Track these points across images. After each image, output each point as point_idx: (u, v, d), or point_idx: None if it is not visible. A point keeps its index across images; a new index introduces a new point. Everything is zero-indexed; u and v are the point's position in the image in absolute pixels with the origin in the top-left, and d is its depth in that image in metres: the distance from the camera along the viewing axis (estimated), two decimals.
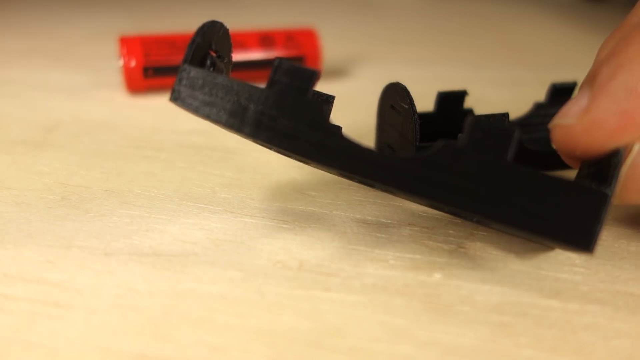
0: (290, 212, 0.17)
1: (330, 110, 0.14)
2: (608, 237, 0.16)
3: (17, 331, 0.12)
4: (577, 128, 0.13)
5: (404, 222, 0.17)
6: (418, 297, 0.13)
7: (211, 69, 0.15)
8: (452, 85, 0.22)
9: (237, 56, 0.28)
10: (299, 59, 0.29)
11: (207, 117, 0.14)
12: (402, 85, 0.18)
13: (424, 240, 0.16)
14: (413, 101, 0.18)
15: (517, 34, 0.45)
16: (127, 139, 0.23)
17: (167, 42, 0.28)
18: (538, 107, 0.22)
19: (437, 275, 0.14)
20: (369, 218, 0.17)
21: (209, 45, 0.15)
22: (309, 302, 0.13)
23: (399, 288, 0.14)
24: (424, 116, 0.19)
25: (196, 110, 0.14)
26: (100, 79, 0.31)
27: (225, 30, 0.16)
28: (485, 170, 0.12)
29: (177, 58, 0.28)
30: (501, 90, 0.30)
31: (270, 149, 0.15)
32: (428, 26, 0.48)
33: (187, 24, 0.45)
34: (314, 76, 0.13)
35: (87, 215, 0.17)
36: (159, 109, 0.27)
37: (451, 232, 0.16)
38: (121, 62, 0.27)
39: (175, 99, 0.15)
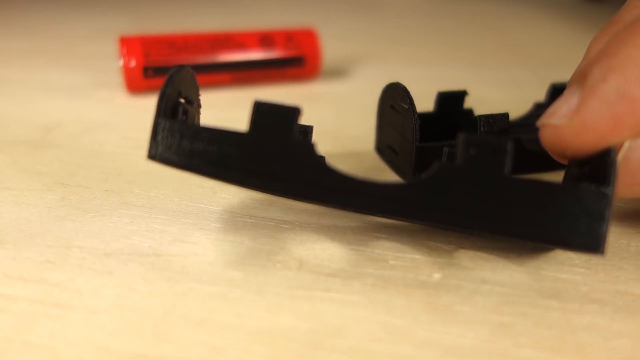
0: (290, 212, 0.17)
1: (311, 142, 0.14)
2: (608, 238, 0.16)
3: (17, 331, 0.12)
4: (567, 129, 0.13)
5: (404, 222, 0.17)
6: (418, 297, 0.13)
7: (184, 117, 0.14)
8: (452, 85, 0.22)
9: (237, 56, 0.28)
10: (299, 59, 0.29)
11: (190, 169, 0.14)
12: (402, 85, 0.18)
13: (424, 240, 0.16)
14: (413, 101, 0.18)
15: (517, 34, 0.45)
16: (127, 139, 0.23)
17: (167, 42, 0.28)
18: (538, 107, 0.22)
19: (437, 275, 0.14)
20: (369, 218, 0.17)
21: (179, 93, 0.14)
22: (309, 302, 0.13)
23: (399, 288, 0.14)
24: (424, 116, 0.19)
25: (177, 165, 0.14)
26: (100, 79, 0.31)
27: (192, 74, 0.15)
28: (484, 186, 0.12)
29: (177, 58, 0.28)
30: (501, 90, 0.30)
31: (262, 192, 0.14)
32: (428, 26, 0.48)
33: (187, 24, 0.45)
34: (295, 114, 0.13)
35: (87, 215, 0.17)
36: None
37: (451, 232, 0.16)
38: (121, 62, 0.27)
39: (153, 156, 0.14)
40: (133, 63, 0.27)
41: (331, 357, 0.12)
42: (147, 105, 0.27)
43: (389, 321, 0.13)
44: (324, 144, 0.22)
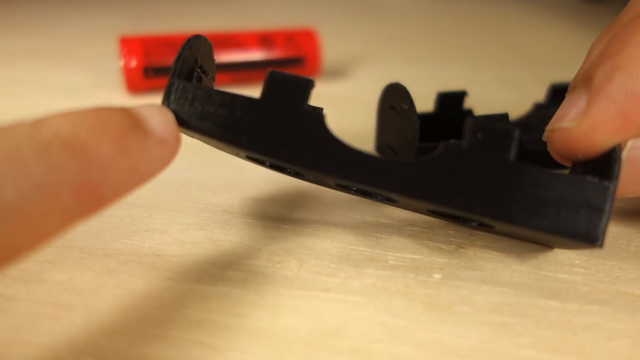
0: (290, 212, 0.17)
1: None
2: (608, 238, 0.16)
3: (17, 331, 0.12)
4: (577, 131, 0.13)
5: (404, 222, 0.17)
6: (418, 297, 0.13)
7: (197, 84, 0.14)
8: (451, 85, 0.22)
9: (237, 56, 0.28)
10: (299, 59, 0.29)
11: (199, 131, 0.14)
12: (402, 85, 0.18)
13: (424, 240, 0.16)
14: (413, 101, 0.18)
15: (517, 34, 0.45)
16: None
17: (167, 42, 0.28)
18: (538, 107, 0.22)
19: (437, 276, 0.14)
20: (369, 218, 0.17)
21: (195, 60, 0.15)
22: (309, 303, 0.13)
23: (399, 288, 0.14)
24: (424, 116, 0.19)
25: (187, 126, 0.14)
26: (101, 79, 0.31)
27: (209, 46, 0.15)
28: (489, 170, 0.12)
29: None
30: (501, 90, 0.30)
31: (265, 163, 0.14)
32: (428, 26, 0.48)
33: (187, 24, 0.45)
34: (309, 85, 0.13)
35: None
36: None
37: (451, 232, 0.16)
38: (121, 63, 0.27)
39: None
40: (133, 63, 0.27)
41: (331, 357, 0.12)
42: None
43: (389, 321, 0.13)
44: None
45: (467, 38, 0.43)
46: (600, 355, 0.12)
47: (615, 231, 0.16)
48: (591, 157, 0.13)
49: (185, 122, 0.14)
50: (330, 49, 0.34)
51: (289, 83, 0.13)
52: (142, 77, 0.27)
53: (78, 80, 0.31)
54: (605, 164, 0.13)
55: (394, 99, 0.19)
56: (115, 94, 0.28)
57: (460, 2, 0.57)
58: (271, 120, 0.13)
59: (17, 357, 0.11)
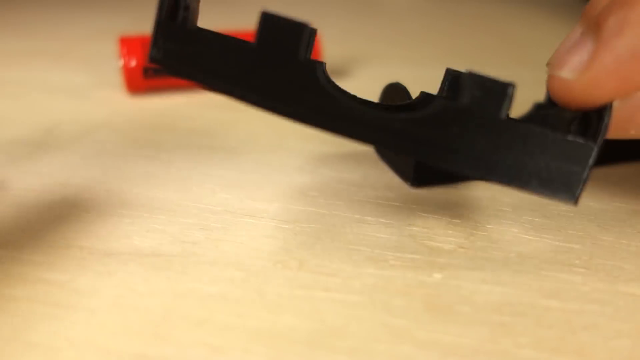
0: (290, 212, 0.17)
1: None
2: (608, 237, 0.16)
3: (17, 331, 0.12)
4: (576, 84, 0.13)
5: (404, 222, 0.17)
6: (418, 297, 0.13)
7: (185, 14, 0.13)
8: None
9: None
10: None
11: (189, 77, 0.13)
12: (402, 85, 0.18)
13: (424, 240, 0.16)
14: None
15: (517, 34, 0.45)
16: (127, 139, 0.23)
17: None
18: (538, 107, 0.22)
19: (437, 275, 0.14)
20: (369, 218, 0.17)
21: None
22: (309, 302, 0.13)
23: (399, 288, 0.14)
24: None
25: (178, 73, 0.13)
26: (100, 79, 0.31)
27: None
28: (482, 127, 0.12)
29: None
30: None
31: (262, 109, 0.13)
32: (428, 26, 0.48)
33: None
34: (304, 32, 0.12)
35: (87, 215, 0.17)
36: (159, 109, 0.27)
37: (451, 232, 0.16)
38: (121, 63, 0.27)
39: (153, 59, 0.13)
40: (133, 63, 0.27)
41: (331, 357, 0.12)
42: (147, 105, 0.27)
43: (389, 321, 0.13)
44: (324, 144, 0.22)
45: (467, 38, 0.43)
46: (600, 355, 0.12)
47: (615, 231, 0.16)
48: (585, 109, 0.13)
49: (175, 70, 0.13)
50: (331, 49, 0.34)
51: (282, 28, 0.12)
52: (141, 77, 0.27)
53: (78, 80, 0.31)
54: (594, 121, 0.13)
55: (394, 99, 0.19)
56: (115, 94, 0.28)
57: (460, 2, 0.57)
58: (264, 69, 0.12)
59: (17, 357, 0.11)
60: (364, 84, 0.31)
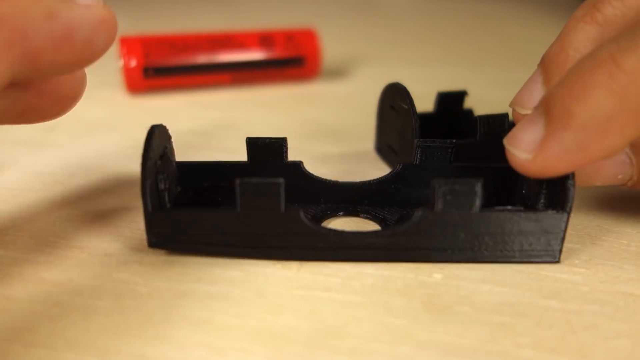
0: None
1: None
2: (608, 238, 0.16)
3: (17, 331, 0.12)
4: (531, 164, 0.13)
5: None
6: (418, 297, 0.13)
7: (165, 185, 0.15)
8: (452, 85, 0.22)
9: (237, 56, 0.28)
10: (299, 59, 0.29)
11: (192, 251, 0.15)
12: (402, 85, 0.18)
13: None
14: (413, 101, 0.18)
15: (516, 34, 0.45)
16: (127, 139, 0.23)
17: (167, 42, 0.28)
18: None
19: (437, 275, 0.14)
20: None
21: (155, 163, 0.15)
22: (309, 302, 0.13)
23: (399, 288, 0.14)
24: (424, 116, 0.19)
25: (179, 249, 0.15)
26: (100, 79, 0.31)
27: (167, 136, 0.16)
28: (459, 223, 0.14)
29: (177, 58, 0.28)
30: (501, 90, 0.29)
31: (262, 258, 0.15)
32: (428, 26, 0.48)
33: (187, 24, 0.45)
34: (280, 188, 0.13)
35: (87, 215, 0.17)
36: (159, 109, 0.27)
37: None
38: (121, 62, 0.27)
39: (153, 245, 0.14)
40: (133, 63, 0.27)
41: (331, 357, 0.12)
42: (147, 105, 0.27)
43: (389, 321, 0.13)
44: (324, 144, 0.22)
45: (467, 38, 0.43)
46: (600, 355, 0.12)
47: (615, 231, 0.16)
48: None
49: (175, 247, 0.15)
50: (331, 48, 0.34)
51: (260, 191, 0.14)
52: (141, 77, 0.27)
53: None
54: (559, 189, 0.14)
55: (394, 98, 0.19)
56: (115, 94, 0.28)
57: (460, 2, 0.57)
58: (253, 228, 0.14)
59: (17, 357, 0.11)
60: (364, 84, 0.31)
